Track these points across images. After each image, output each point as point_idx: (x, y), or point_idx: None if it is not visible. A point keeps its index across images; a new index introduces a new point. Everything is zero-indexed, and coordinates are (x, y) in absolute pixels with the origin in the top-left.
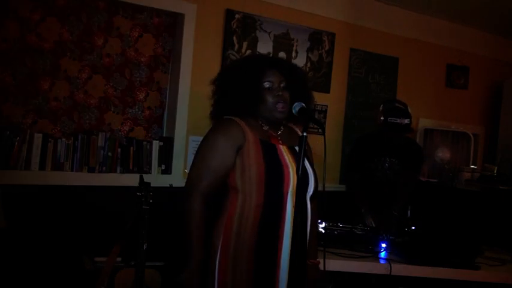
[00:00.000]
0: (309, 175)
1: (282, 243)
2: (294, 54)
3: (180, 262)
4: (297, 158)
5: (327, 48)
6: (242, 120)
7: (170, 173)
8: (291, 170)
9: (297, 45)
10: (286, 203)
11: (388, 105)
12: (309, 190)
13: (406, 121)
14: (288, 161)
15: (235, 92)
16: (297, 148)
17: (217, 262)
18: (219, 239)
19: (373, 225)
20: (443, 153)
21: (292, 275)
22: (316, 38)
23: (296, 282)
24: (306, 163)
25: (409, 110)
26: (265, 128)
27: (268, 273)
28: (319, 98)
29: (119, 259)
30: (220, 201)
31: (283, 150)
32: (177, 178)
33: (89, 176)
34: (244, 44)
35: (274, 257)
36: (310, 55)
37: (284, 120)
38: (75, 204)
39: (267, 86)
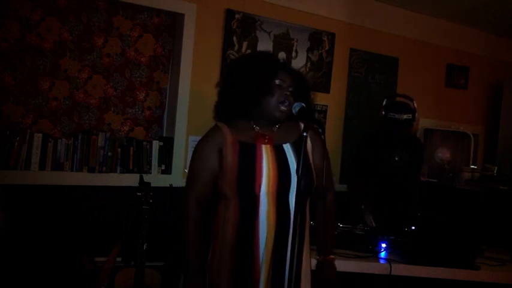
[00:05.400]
0: (291, 175)
1: (258, 244)
2: (294, 54)
3: (180, 262)
4: (282, 158)
5: (327, 48)
6: (227, 125)
7: (170, 173)
8: (264, 171)
9: (297, 45)
10: (259, 204)
11: (389, 100)
12: (291, 190)
13: (405, 116)
14: (265, 160)
15: (247, 81)
16: (286, 146)
17: (208, 258)
18: (211, 238)
19: (374, 224)
20: (443, 153)
21: (273, 275)
22: (316, 38)
23: (277, 283)
24: (293, 162)
25: (414, 106)
26: (257, 128)
27: (247, 274)
28: (319, 98)
29: (119, 259)
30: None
31: (265, 150)
32: (177, 178)
33: (89, 176)
34: (244, 44)
35: (251, 260)
36: (310, 55)
37: (283, 121)
38: (75, 204)
39: (278, 83)
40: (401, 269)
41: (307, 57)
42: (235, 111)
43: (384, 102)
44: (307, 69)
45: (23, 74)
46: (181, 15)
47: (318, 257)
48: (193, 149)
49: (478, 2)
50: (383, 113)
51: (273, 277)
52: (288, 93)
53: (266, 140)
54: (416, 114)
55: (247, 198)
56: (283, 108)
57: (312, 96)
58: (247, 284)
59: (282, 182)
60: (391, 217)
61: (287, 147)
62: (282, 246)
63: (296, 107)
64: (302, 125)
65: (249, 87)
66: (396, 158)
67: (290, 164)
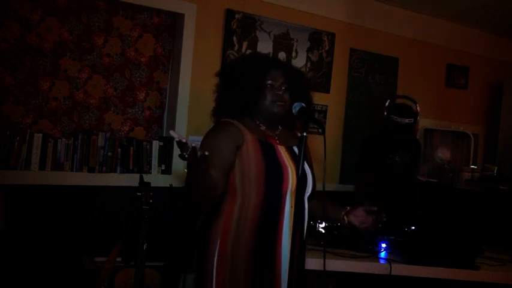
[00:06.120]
0: (308, 175)
1: (280, 243)
2: (294, 54)
3: (180, 262)
4: (296, 158)
5: (327, 48)
6: (239, 122)
7: (170, 173)
8: (289, 170)
9: (297, 45)
10: (284, 203)
11: (391, 101)
12: (307, 190)
13: (407, 121)
14: (286, 161)
15: (239, 85)
16: (295, 148)
17: (214, 263)
18: (216, 240)
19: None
20: (443, 153)
21: (292, 275)
22: (316, 38)
23: (297, 281)
24: (304, 163)
25: (416, 108)
26: (263, 127)
27: (267, 274)
28: (319, 98)
29: (119, 259)
30: (217, 202)
31: (282, 150)
32: (177, 178)
33: (89, 176)
34: (244, 44)
35: (273, 257)
36: (310, 55)
37: (282, 121)
38: (75, 204)
39: (270, 83)
40: (401, 269)
41: (307, 57)
42: (235, 111)
43: (387, 103)
44: (307, 69)
45: (23, 74)
46: (181, 15)
47: (343, 213)
48: (202, 142)
49: (478, 2)
50: (385, 113)
51: (291, 273)
52: (281, 92)
53: (277, 141)
54: (418, 117)
55: (273, 198)
56: (279, 103)
57: (309, 91)
58: (270, 280)
59: (300, 183)
60: (391, 217)
61: (295, 150)
62: (299, 244)
63: (296, 106)
64: (298, 134)
65: (242, 91)
66: (397, 159)
67: (304, 165)
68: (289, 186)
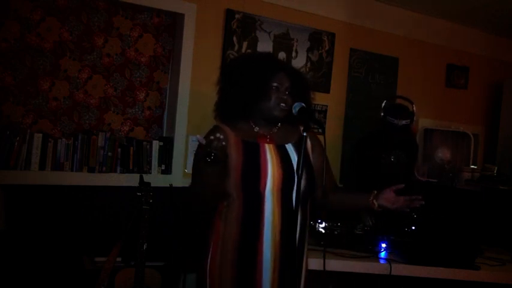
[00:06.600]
0: (297, 174)
1: (262, 241)
2: (294, 54)
3: (180, 262)
4: (286, 157)
5: (327, 48)
6: (228, 125)
7: (170, 173)
8: (269, 168)
9: (297, 45)
10: (264, 202)
11: (388, 102)
12: (295, 188)
13: (404, 122)
14: (269, 159)
15: (243, 84)
16: (288, 146)
17: (208, 263)
18: (210, 241)
19: (371, 223)
20: (443, 153)
21: (280, 274)
22: (316, 38)
23: (285, 283)
24: (296, 161)
25: (413, 109)
26: (256, 129)
27: (250, 272)
28: (319, 98)
29: (119, 259)
30: (215, 204)
31: (268, 148)
32: (177, 178)
33: (89, 176)
34: (244, 44)
35: (254, 256)
36: (310, 55)
37: (282, 121)
38: (75, 204)
39: (275, 86)
40: (401, 269)
41: (307, 57)
42: (235, 111)
43: (384, 104)
44: (307, 69)
45: (23, 74)
46: (181, 15)
47: (371, 197)
48: (194, 149)
49: (478, 2)
50: (382, 114)
51: (279, 274)
52: (285, 96)
53: (268, 140)
54: (415, 117)
55: (252, 196)
56: (283, 106)
57: (311, 96)
58: (251, 281)
59: (286, 180)
60: (390, 217)
61: (289, 147)
62: (288, 244)
63: (296, 106)
64: (302, 128)
65: (247, 90)
66: (392, 159)
67: (293, 163)
68: (268, 185)
